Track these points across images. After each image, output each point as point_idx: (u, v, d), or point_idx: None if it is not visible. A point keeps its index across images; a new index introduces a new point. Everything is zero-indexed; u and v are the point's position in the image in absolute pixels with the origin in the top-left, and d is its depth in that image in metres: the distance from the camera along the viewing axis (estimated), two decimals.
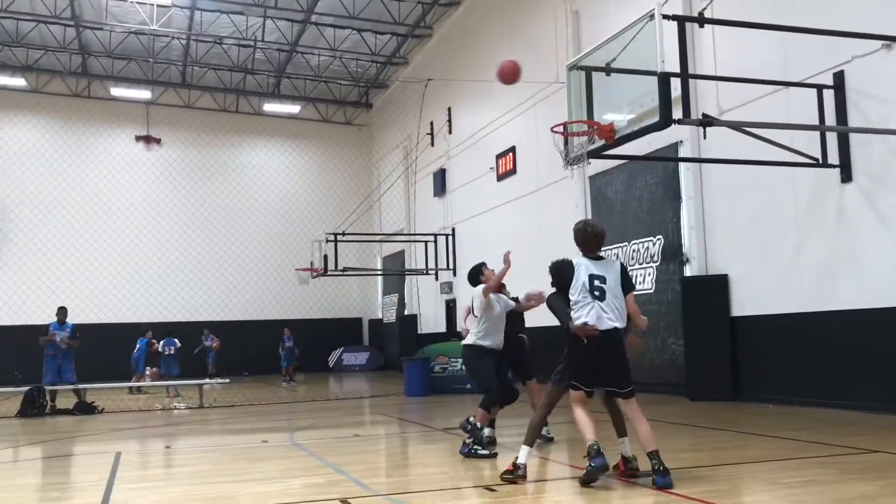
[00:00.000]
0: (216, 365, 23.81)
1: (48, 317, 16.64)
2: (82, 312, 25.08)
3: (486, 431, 7.82)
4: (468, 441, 7.56)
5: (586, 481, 5.83)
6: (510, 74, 8.31)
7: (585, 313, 6.01)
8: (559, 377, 6.23)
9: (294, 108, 31.05)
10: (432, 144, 25.15)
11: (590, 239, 6.27)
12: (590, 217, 15.42)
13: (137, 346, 20.75)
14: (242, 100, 30.43)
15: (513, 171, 19.84)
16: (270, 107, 30.67)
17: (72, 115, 28.49)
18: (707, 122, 8.85)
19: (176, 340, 19.28)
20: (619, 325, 6.05)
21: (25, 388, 14.40)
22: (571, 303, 6.12)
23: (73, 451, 9.32)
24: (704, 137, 9.69)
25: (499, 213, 20.40)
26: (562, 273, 6.70)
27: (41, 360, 14.90)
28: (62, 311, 15.36)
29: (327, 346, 29.47)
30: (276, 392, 19.69)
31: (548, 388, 6.39)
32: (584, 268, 6.14)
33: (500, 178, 20.53)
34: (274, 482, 6.89)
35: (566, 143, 9.69)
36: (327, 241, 24.00)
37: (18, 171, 27.81)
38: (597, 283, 6.08)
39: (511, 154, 19.87)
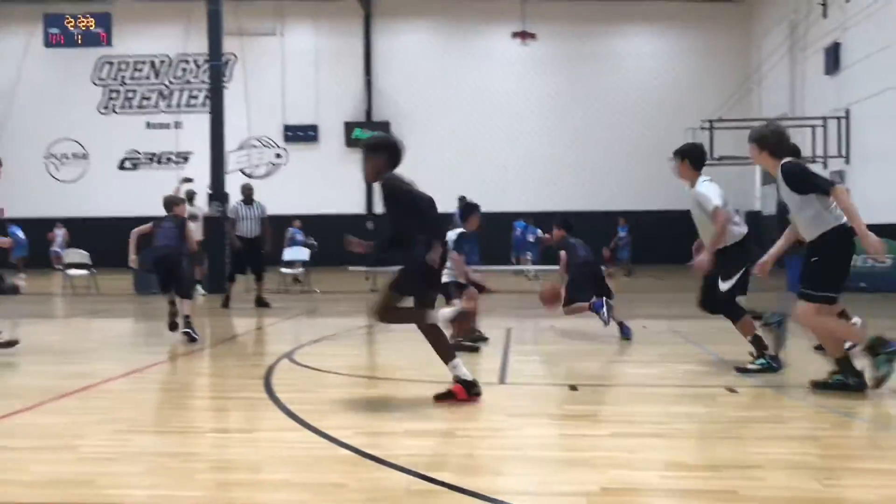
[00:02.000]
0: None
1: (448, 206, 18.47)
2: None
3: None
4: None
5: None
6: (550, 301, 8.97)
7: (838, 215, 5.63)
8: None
9: None
10: (825, 16, 22.40)
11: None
12: None
13: (517, 230, 22.08)
14: None
15: None
16: None
17: (454, 17, 30.37)
18: None
19: (539, 230, 20.17)
20: None
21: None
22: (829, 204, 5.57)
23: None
24: None
25: None
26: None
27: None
28: (460, 200, 16.98)
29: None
30: (632, 282, 19.82)
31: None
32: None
33: None
34: (655, 365, 7.05)
35: None
36: (702, 128, 22.99)
37: (411, 73, 30.62)
38: None
39: None
